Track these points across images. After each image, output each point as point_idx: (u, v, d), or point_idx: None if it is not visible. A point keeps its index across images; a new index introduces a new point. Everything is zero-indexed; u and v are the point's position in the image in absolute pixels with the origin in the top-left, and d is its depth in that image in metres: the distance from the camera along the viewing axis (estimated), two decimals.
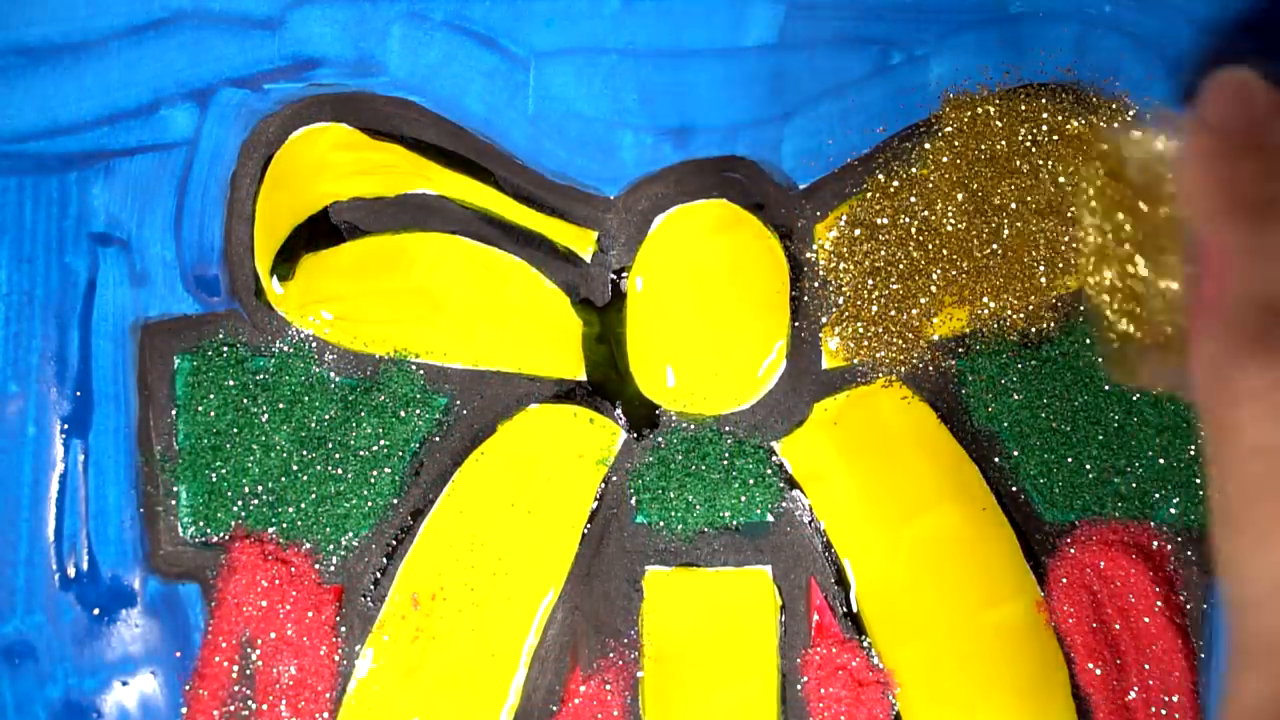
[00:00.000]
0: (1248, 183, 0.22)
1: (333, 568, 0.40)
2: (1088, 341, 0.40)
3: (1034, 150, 0.40)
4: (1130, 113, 0.27)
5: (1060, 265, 0.40)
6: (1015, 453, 0.40)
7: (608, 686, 0.40)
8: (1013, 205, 0.40)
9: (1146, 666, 0.39)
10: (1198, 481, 0.40)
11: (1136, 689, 0.39)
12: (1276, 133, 0.23)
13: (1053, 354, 0.40)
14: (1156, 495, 0.40)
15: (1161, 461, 0.40)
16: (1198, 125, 0.24)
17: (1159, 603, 0.39)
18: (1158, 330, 0.25)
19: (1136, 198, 0.26)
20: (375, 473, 0.40)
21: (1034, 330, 0.40)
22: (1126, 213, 0.27)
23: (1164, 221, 0.25)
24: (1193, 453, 0.40)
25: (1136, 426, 0.40)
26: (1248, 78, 0.24)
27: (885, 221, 0.40)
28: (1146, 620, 0.39)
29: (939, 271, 0.40)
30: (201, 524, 0.40)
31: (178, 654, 0.40)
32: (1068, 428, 0.40)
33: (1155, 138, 0.26)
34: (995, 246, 0.40)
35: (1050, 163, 0.40)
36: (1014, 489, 0.40)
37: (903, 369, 0.41)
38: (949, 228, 0.40)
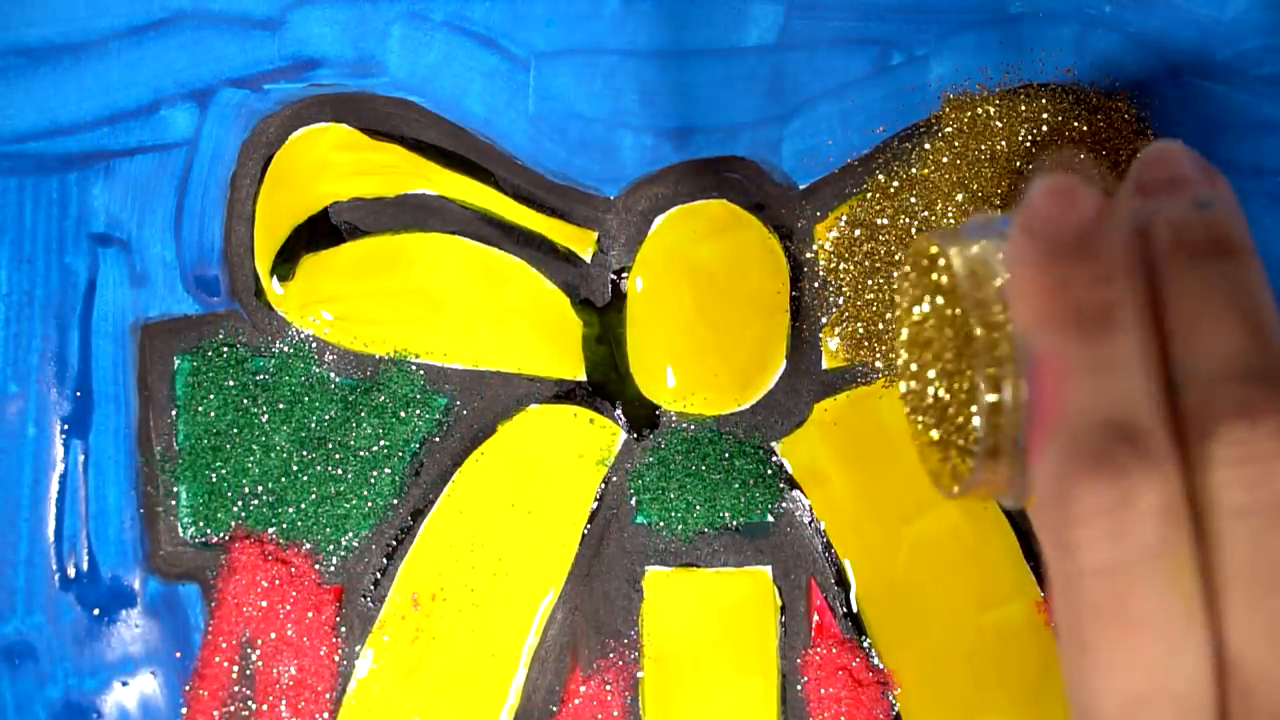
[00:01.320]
0: (1079, 290, 0.21)
1: (333, 568, 0.40)
2: None
3: (1034, 150, 0.40)
4: (987, 225, 0.25)
5: None
6: None
7: (608, 686, 0.40)
8: (1013, 205, 0.40)
9: None
10: None
11: None
12: (1104, 237, 0.22)
13: None
14: None
15: None
16: (1025, 230, 0.22)
17: None
18: (990, 444, 0.24)
19: (964, 309, 0.24)
20: (375, 473, 0.40)
21: None
22: (948, 324, 0.25)
23: (990, 332, 0.23)
24: None
25: None
26: (1073, 182, 0.22)
27: (885, 221, 0.40)
28: None
29: None
30: (201, 524, 0.40)
31: (178, 654, 0.40)
32: None
33: (982, 245, 0.24)
34: None
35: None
36: None
37: None
38: (949, 228, 0.40)
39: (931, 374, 0.26)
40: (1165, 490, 0.20)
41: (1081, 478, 0.20)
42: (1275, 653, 0.20)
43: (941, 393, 0.26)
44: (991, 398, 0.23)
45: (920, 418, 0.27)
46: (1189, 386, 0.21)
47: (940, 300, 0.25)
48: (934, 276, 0.26)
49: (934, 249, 0.26)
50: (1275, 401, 0.20)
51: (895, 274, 0.28)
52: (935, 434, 0.27)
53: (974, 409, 0.24)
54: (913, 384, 0.27)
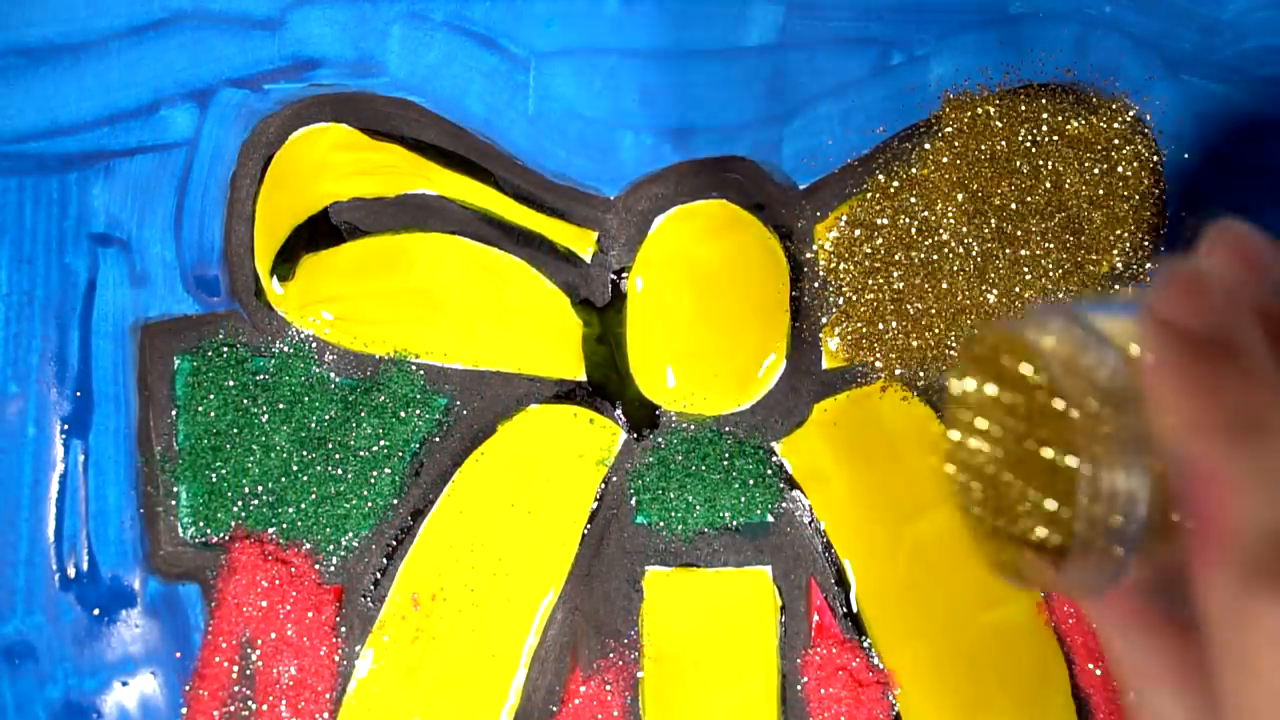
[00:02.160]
0: (1230, 393, 0.20)
1: (333, 568, 0.40)
2: None
3: (1034, 150, 0.40)
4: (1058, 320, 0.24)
5: (1064, 264, 0.40)
6: None
7: (608, 686, 0.40)
8: (1013, 205, 0.40)
9: None
10: None
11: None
12: (1241, 328, 0.20)
13: None
14: None
15: None
16: (1159, 328, 0.20)
17: None
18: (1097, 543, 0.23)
19: (1054, 406, 0.23)
20: (375, 473, 0.40)
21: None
22: (1019, 413, 0.24)
23: (1089, 424, 0.23)
24: None
25: None
26: (1198, 269, 0.20)
27: (885, 221, 0.40)
28: None
29: (939, 271, 0.40)
30: (201, 524, 0.40)
31: (178, 654, 0.40)
32: None
33: (1076, 334, 0.22)
34: (994, 246, 0.40)
35: (1050, 163, 0.40)
36: None
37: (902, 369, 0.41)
38: (949, 228, 0.40)
39: (993, 466, 0.25)
40: None
41: (1262, 598, 0.19)
42: None
43: (1006, 480, 0.25)
44: (1096, 471, 0.22)
45: (978, 509, 0.26)
46: None
47: (1008, 392, 0.24)
48: (1005, 364, 0.25)
49: (1017, 336, 0.24)
50: None
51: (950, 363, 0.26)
52: (999, 524, 0.25)
53: (1049, 503, 0.23)
54: (971, 477, 0.26)
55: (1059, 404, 0.23)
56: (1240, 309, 0.20)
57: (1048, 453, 0.24)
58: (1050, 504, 0.24)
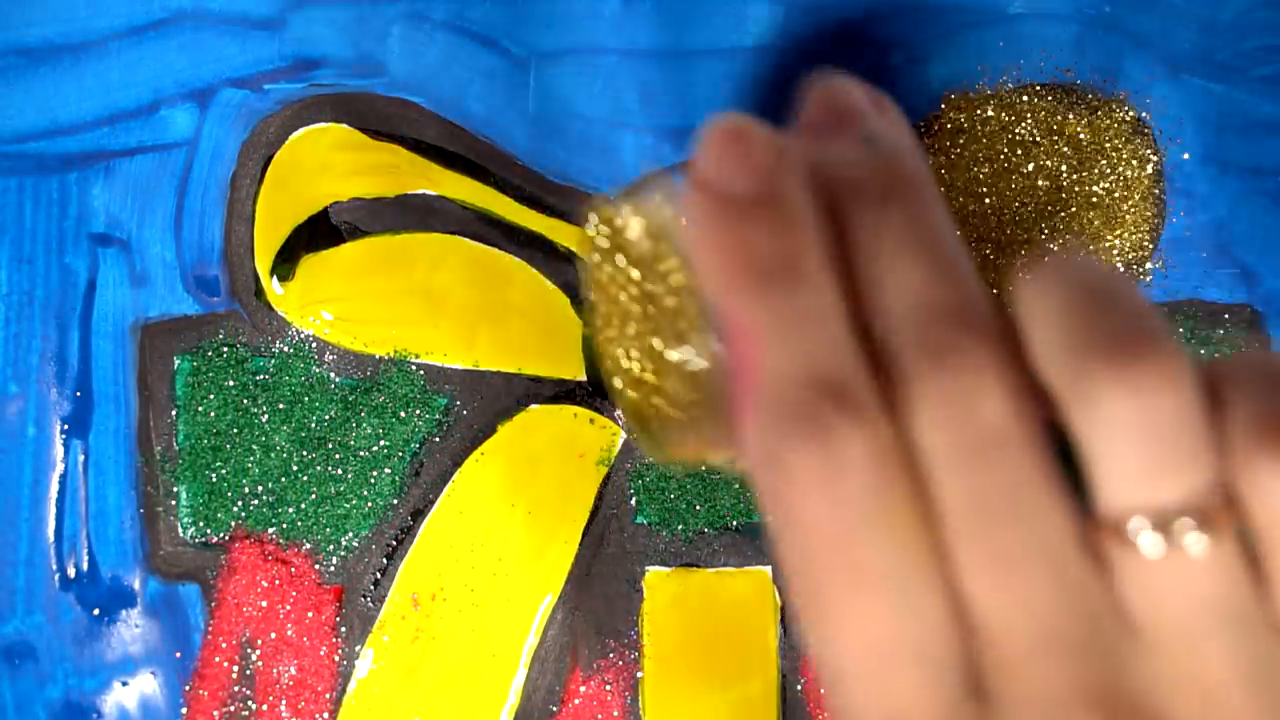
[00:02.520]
0: (759, 245, 0.20)
1: (333, 568, 0.40)
2: None
3: (1034, 150, 0.40)
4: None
5: None
6: None
7: (608, 686, 0.40)
8: (1013, 205, 0.40)
9: None
10: None
11: None
12: (782, 184, 0.21)
13: None
14: None
15: None
16: (697, 186, 0.21)
17: None
18: (693, 407, 0.22)
19: (641, 274, 0.23)
20: (375, 473, 0.40)
21: None
22: (633, 292, 0.24)
23: (677, 295, 0.22)
24: None
25: None
26: (743, 125, 0.21)
27: None
28: None
29: None
30: (201, 524, 0.40)
31: (178, 654, 0.40)
32: None
33: (657, 207, 0.23)
34: (990, 249, 0.40)
35: (1050, 163, 0.40)
36: None
37: None
38: None
39: (629, 332, 0.25)
40: (873, 439, 0.19)
41: (787, 439, 0.19)
42: (1006, 589, 0.19)
43: (634, 355, 0.25)
44: (674, 355, 0.22)
45: (617, 380, 0.26)
46: (883, 332, 0.20)
47: (623, 262, 0.24)
48: (621, 239, 0.25)
49: (611, 211, 0.25)
50: (964, 339, 0.19)
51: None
52: (633, 394, 0.26)
53: (666, 371, 0.23)
54: (612, 346, 0.26)
55: (643, 276, 0.23)
56: (784, 163, 0.21)
57: (637, 320, 0.24)
58: (679, 389, 0.24)
